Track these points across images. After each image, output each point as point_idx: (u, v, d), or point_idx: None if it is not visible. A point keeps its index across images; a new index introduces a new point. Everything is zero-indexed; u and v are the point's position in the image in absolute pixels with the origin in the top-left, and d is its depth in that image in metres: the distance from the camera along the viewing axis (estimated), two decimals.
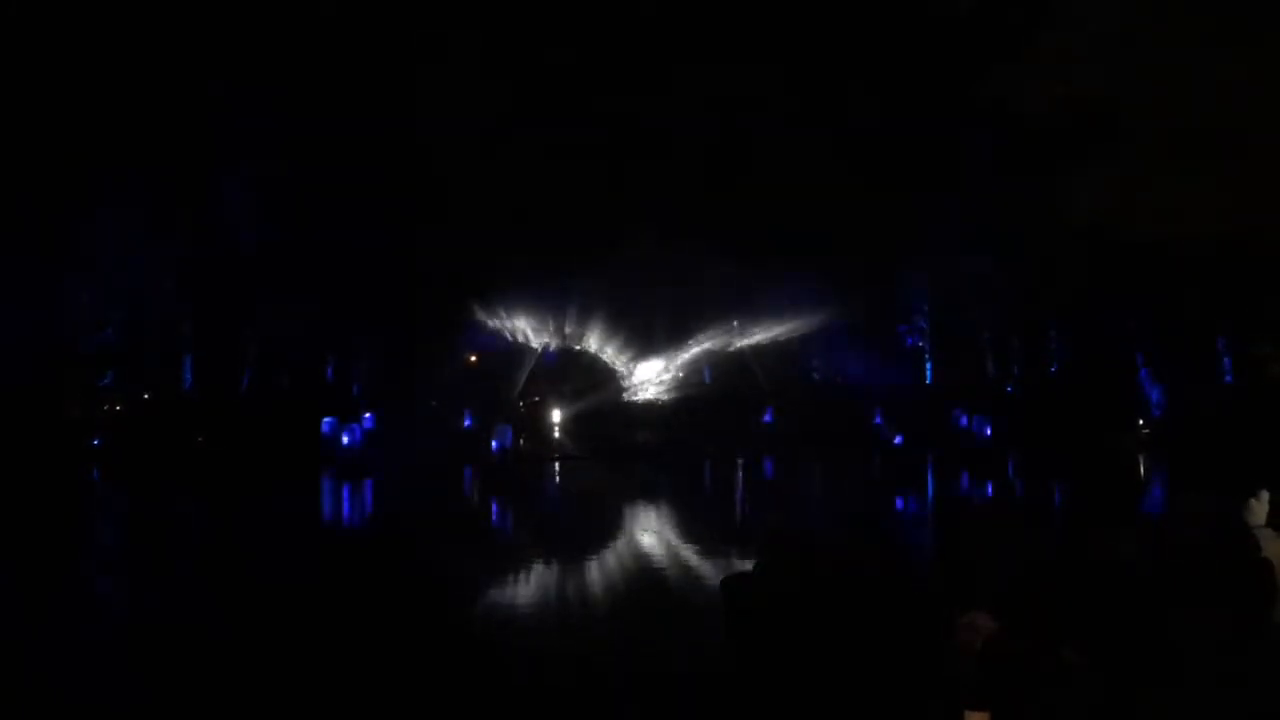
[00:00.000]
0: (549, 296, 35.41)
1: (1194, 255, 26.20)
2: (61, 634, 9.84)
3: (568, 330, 36.02)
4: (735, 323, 37.45)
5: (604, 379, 36.39)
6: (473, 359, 36.07)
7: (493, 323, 35.36)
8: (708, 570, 12.51)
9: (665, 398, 36.67)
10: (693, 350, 36.75)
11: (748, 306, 36.38)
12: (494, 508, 22.98)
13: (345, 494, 24.71)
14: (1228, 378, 32.86)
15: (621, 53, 31.38)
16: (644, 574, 13.28)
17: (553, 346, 36.07)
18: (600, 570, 13.57)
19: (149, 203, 32.14)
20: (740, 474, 29.61)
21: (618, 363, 36.74)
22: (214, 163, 33.48)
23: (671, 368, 36.90)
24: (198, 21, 31.12)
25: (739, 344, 37.41)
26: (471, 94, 32.13)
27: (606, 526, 18.17)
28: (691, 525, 18.34)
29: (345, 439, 29.48)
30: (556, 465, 32.40)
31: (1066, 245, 29.84)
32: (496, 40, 32.00)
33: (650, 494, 24.80)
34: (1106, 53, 19.54)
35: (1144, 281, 31.05)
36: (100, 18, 30.35)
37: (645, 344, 36.38)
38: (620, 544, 15.99)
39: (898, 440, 29.18)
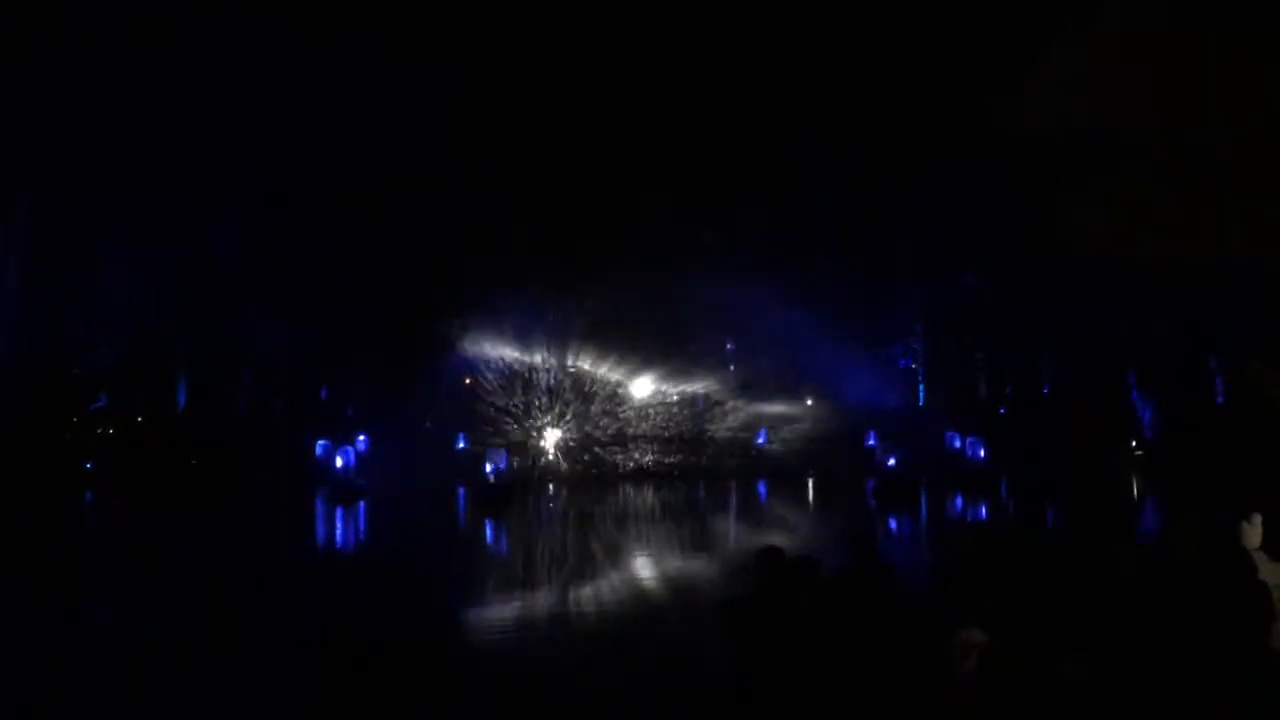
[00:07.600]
0: (546, 318, 35.38)
1: (1187, 275, 26.36)
2: (53, 660, 9.78)
3: (564, 352, 35.95)
4: (730, 345, 37.47)
5: (599, 401, 36.35)
6: (468, 381, 35.99)
7: (489, 344, 35.30)
8: (702, 595, 12.48)
9: (660, 421, 36.60)
10: (688, 373, 36.71)
11: (741, 328, 36.42)
12: (488, 530, 22.91)
13: (339, 517, 24.61)
14: (1219, 398, 32.93)
15: (616, 55, 31.45)
16: (635, 599, 13.26)
17: (549, 368, 35.99)
18: (593, 594, 13.54)
19: (142, 224, 32.15)
20: (734, 496, 29.55)
21: (613, 385, 36.69)
22: (208, 182, 33.56)
23: (666, 390, 36.86)
24: (189, 37, 31.17)
25: (733, 366, 37.42)
26: (471, 113, 32.21)
27: (600, 550, 18.15)
28: (685, 551, 18.30)
29: (339, 461, 29.31)
30: (551, 488, 32.32)
31: (1061, 265, 29.98)
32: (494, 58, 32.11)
33: (643, 518, 24.77)
34: (1104, 77, 19.72)
35: (1137, 301, 31.17)
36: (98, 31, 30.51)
37: (641, 367, 36.33)
38: (612, 568, 15.96)
39: (891, 462, 29.13)
